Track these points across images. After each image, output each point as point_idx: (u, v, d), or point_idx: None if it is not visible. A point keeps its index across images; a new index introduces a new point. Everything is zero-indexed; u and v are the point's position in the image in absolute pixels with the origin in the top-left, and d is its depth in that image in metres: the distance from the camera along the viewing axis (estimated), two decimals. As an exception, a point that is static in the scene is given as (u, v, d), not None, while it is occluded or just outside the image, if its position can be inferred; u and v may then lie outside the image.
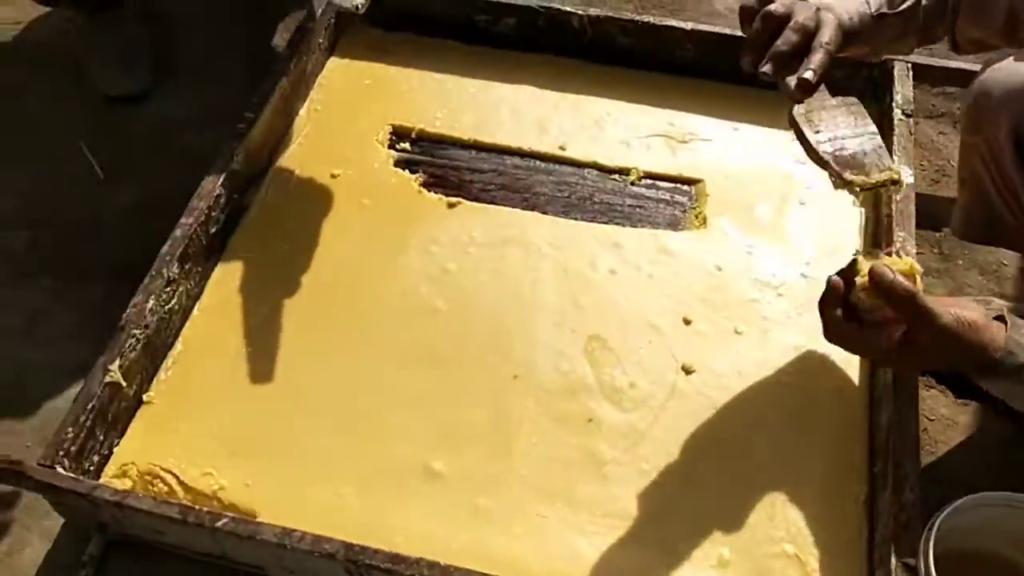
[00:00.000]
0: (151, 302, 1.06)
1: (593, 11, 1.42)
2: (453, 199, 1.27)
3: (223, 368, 1.10)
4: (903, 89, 1.30)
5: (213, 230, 1.18)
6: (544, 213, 1.26)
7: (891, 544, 0.89)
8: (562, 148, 1.34)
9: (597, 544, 0.97)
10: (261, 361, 1.11)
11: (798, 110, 0.93)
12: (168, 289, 1.09)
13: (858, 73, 1.34)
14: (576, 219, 1.26)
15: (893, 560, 0.87)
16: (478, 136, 1.36)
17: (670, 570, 0.95)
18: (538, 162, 1.34)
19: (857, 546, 0.96)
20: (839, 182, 0.93)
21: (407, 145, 1.36)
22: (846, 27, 0.95)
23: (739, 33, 1.35)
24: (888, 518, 0.92)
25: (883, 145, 0.93)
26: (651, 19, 1.41)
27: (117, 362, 1.00)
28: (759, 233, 1.23)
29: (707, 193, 1.28)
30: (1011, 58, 0.96)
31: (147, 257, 1.11)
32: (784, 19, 0.91)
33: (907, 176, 1.16)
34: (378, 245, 1.22)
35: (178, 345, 1.12)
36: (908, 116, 1.26)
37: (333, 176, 1.30)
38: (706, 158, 1.32)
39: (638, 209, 1.27)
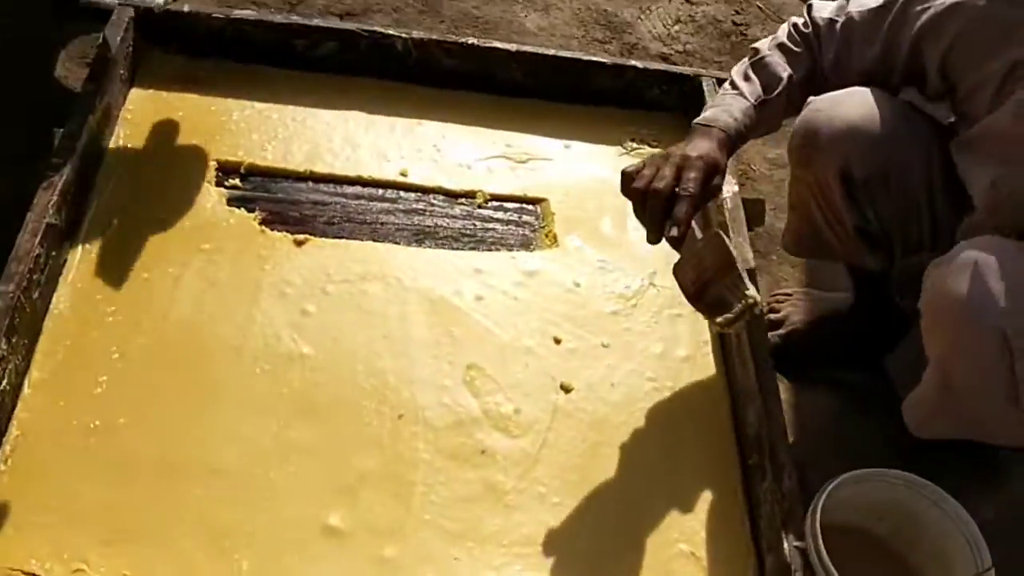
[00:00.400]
0: (-19, 387, 0.93)
1: (416, 34, 1.40)
2: (299, 236, 1.21)
3: (71, 448, 0.99)
4: (713, 103, 1.40)
5: (36, 294, 1.05)
6: (397, 244, 1.24)
7: (780, 531, 0.97)
8: (403, 174, 1.32)
9: (509, 576, 0.98)
10: (115, 434, 1.00)
11: (676, 264, 1.02)
12: (-2, 369, 0.96)
13: (672, 88, 1.44)
14: (431, 247, 1.25)
15: (786, 545, 0.95)
16: (313, 167, 1.30)
17: (584, 589, 0.98)
18: (381, 190, 1.31)
19: (742, 535, 1.04)
20: (712, 326, 1.02)
21: (237, 181, 1.28)
22: (734, 131, 1.02)
23: (562, 53, 1.44)
24: (772, 506, 1.00)
25: (741, 274, 0.99)
26: (474, 41, 1.42)
27: (-46, 462, 0.87)
28: (607, 248, 1.28)
29: (552, 211, 1.31)
30: (832, 92, 1.06)
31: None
32: (646, 191, 0.96)
33: (732, 187, 1.26)
34: (227, 292, 1.14)
35: (13, 430, 0.99)
36: (722, 128, 1.37)
37: (161, 220, 1.20)
38: (546, 176, 1.36)
39: (490, 232, 1.28)
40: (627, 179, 0.99)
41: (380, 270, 1.20)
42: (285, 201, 1.27)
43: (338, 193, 1.29)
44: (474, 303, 1.19)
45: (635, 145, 1.43)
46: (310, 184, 1.30)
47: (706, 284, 1.00)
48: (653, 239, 0.98)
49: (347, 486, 1.01)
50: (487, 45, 1.41)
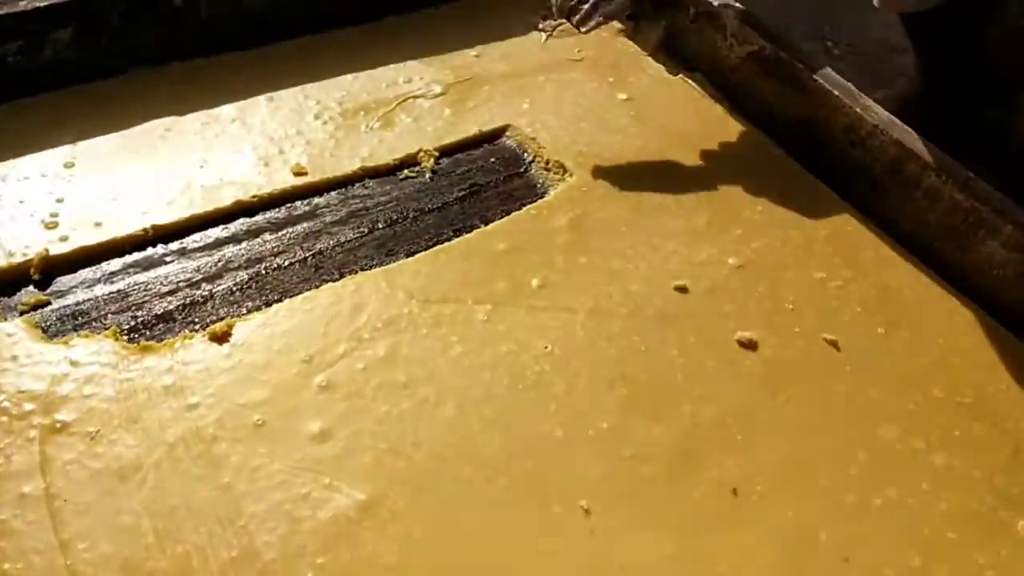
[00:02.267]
0: None
1: (195, -27, 0.88)
2: (216, 328, 0.68)
3: None
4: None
5: None
6: (366, 269, 0.74)
7: None
8: (300, 172, 0.81)
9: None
10: None
11: None
12: None
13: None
14: (414, 251, 0.76)
15: None
16: (154, 219, 0.76)
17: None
18: (284, 209, 0.79)
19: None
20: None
21: (37, 294, 0.70)
22: None
23: None
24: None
25: None
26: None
27: None
28: (627, 151, 0.88)
29: (531, 136, 0.88)
30: None
31: None
32: None
33: None
34: (183, 480, 0.59)
35: None
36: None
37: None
38: (483, 101, 0.91)
39: (474, 197, 0.82)
40: None
41: (375, 319, 0.70)
42: (140, 288, 0.71)
43: (221, 241, 0.76)
44: (539, 293, 0.73)
45: (552, 22, 1.02)
46: (162, 248, 0.75)
47: None
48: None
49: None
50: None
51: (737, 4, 0.92)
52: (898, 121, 0.81)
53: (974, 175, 0.76)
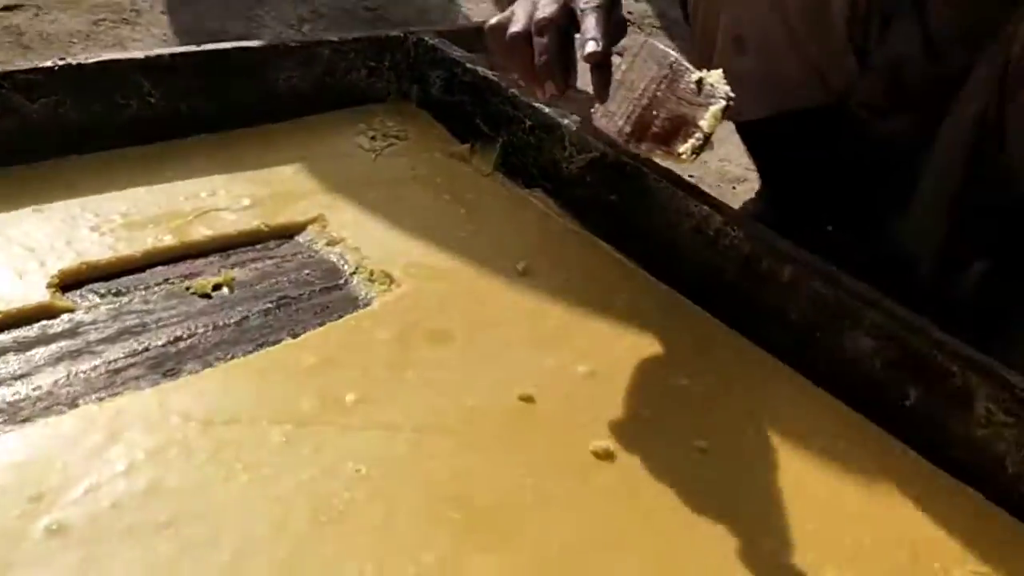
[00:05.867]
0: None
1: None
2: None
3: None
4: None
5: None
6: (135, 391, 0.59)
7: None
8: (64, 285, 0.67)
9: None
10: None
11: (594, 112, 0.68)
12: None
13: (384, 58, 0.99)
14: (202, 370, 0.62)
15: None
16: None
17: None
18: (37, 327, 0.64)
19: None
20: (671, 158, 0.65)
21: None
22: None
23: (223, 46, 0.91)
24: None
25: (694, 74, 0.63)
26: (65, 59, 0.81)
27: None
28: (465, 263, 0.78)
29: (353, 246, 0.77)
30: None
31: None
32: (528, 30, 0.67)
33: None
34: None
35: None
36: None
37: None
38: (302, 213, 0.81)
39: (285, 309, 0.69)
40: (498, 32, 0.69)
41: (136, 447, 0.55)
42: None
43: (-58, 362, 0.60)
44: (354, 411, 0.60)
45: (381, 142, 0.95)
46: None
47: (649, 108, 0.65)
48: (560, 85, 0.66)
49: None
50: (81, 62, 0.82)
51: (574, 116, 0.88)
52: (749, 218, 0.75)
53: (835, 268, 0.70)
